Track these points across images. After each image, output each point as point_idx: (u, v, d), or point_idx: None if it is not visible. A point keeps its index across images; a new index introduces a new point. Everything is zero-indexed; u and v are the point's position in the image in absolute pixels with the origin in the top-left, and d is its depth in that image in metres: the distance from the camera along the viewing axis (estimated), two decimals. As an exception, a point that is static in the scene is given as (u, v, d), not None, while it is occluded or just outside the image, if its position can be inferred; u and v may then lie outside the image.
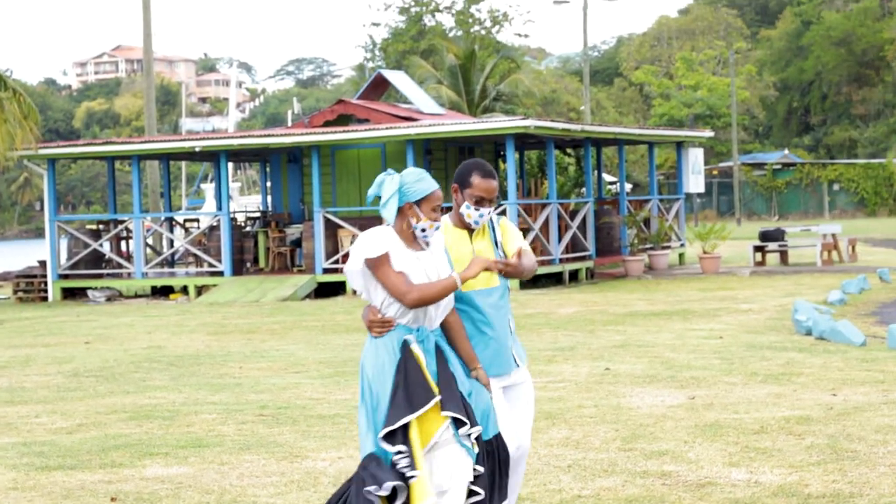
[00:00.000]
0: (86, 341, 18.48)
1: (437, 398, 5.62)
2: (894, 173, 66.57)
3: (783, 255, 30.12)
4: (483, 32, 59.30)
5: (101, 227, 30.64)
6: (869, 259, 31.13)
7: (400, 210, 5.81)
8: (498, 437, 5.89)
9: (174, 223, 32.52)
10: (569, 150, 37.10)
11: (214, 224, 28.28)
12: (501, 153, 32.51)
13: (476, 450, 5.72)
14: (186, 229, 32.24)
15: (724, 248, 33.03)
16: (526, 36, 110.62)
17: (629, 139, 32.41)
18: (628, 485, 7.87)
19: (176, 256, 30.72)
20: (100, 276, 28.99)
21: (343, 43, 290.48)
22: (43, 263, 29.20)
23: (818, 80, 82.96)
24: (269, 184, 33.27)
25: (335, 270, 26.47)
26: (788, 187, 68.23)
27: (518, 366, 6.26)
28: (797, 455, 8.52)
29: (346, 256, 25.37)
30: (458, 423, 5.69)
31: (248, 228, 31.27)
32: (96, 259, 29.22)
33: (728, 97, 70.57)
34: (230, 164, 42.31)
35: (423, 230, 5.82)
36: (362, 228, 24.22)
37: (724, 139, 72.43)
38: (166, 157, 32.42)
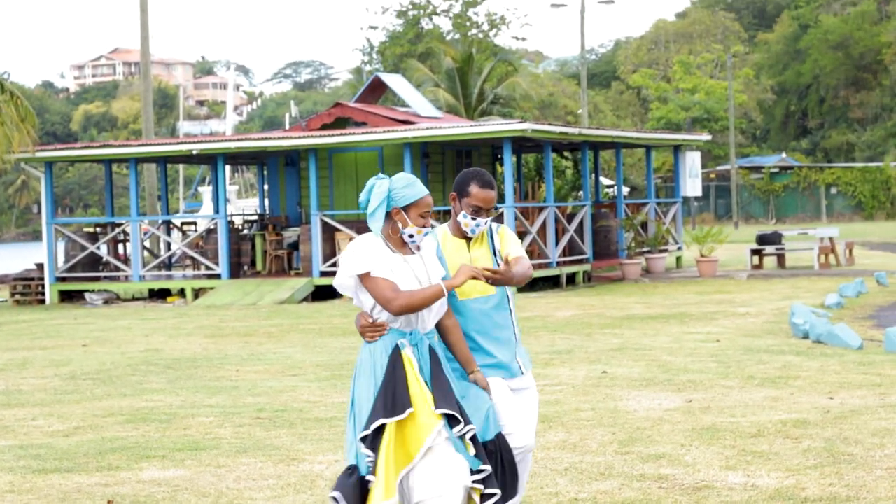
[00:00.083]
0: (83, 344, 18.47)
1: (410, 410, 5.64)
2: (892, 177, 66.62)
3: (780, 258, 30.14)
4: (480, 36, 59.31)
5: (98, 229, 30.64)
6: (866, 262, 31.15)
7: (388, 214, 5.83)
8: (500, 436, 5.89)
9: (171, 226, 32.51)
10: (566, 154, 37.11)
11: (212, 227, 28.28)
12: (499, 156, 32.47)
13: (472, 451, 5.71)
14: (184, 232, 32.26)
15: (721, 252, 33.06)
16: (523, 39, 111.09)
17: (626, 142, 32.37)
18: (625, 488, 7.87)
19: (173, 259, 30.72)
20: (97, 279, 28.99)
21: (340, 46, 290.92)
22: (40, 266, 29.18)
23: (816, 84, 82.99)
24: (266, 187, 33.27)
25: (332, 273, 26.43)
26: (786, 191, 68.27)
27: (522, 373, 6.27)
28: (794, 458, 8.52)
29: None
30: (452, 423, 5.69)
31: (245, 231, 31.25)
32: (93, 262, 29.21)
33: (725, 101, 70.63)
34: (227, 167, 42.19)
35: (411, 236, 5.84)
36: (359, 231, 24.20)
37: (722, 143, 72.46)
38: (164, 160, 32.41)
